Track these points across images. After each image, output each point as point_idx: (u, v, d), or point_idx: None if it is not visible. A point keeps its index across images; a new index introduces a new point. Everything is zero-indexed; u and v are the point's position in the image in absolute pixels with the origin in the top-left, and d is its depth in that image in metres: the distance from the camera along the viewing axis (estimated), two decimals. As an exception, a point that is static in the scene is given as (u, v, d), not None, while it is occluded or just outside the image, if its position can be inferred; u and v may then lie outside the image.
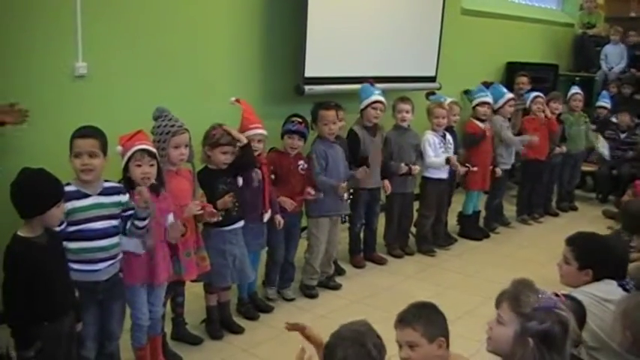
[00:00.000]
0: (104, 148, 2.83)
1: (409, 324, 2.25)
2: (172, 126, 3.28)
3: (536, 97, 6.42)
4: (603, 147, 7.21)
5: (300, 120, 4.25)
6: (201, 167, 3.68)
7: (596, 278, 2.94)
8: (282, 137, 4.28)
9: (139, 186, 2.97)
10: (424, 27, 6.43)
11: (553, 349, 2.01)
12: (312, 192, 4.30)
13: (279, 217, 4.14)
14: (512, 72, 7.99)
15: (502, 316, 2.14)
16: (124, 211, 2.93)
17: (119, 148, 3.01)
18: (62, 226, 2.69)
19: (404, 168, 5.10)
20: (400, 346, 2.28)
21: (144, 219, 2.93)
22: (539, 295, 2.10)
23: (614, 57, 8.99)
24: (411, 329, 2.24)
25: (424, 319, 2.26)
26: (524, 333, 2.04)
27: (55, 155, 2.91)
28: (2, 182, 2.57)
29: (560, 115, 6.65)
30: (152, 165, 3.05)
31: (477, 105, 5.77)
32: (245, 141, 3.68)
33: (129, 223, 2.92)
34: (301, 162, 4.30)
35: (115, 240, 2.89)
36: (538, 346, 2.00)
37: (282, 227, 4.17)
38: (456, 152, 5.51)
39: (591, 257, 2.96)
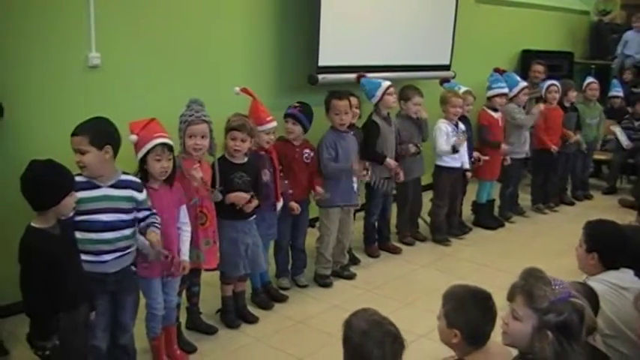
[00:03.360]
0: (98, 142, 2.73)
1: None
2: (191, 115, 3.30)
3: (551, 85, 6.35)
4: (621, 135, 7.13)
5: (297, 104, 4.22)
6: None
7: (605, 264, 2.92)
8: None
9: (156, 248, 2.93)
10: (438, 15, 6.39)
11: (572, 338, 1.99)
12: (322, 190, 4.28)
13: (295, 204, 4.16)
14: (527, 60, 7.93)
15: (517, 311, 2.10)
16: (138, 210, 2.89)
17: (133, 137, 2.97)
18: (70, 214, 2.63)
19: (412, 148, 5.09)
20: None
21: None
22: (553, 287, 2.06)
23: (634, 44, 8.82)
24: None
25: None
26: (543, 327, 2.02)
27: (68, 146, 2.86)
28: (6, 174, 2.51)
29: (572, 103, 6.60)
30: (170, 159, 3.05)
31: (495, 96, 5.72)
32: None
33: (142, 224, 2.92)
34: (307, 151, 4.25)
35: (122, 233, 2.83)
36: (557, 338, 1.99)
37: (290, 215, 4.18)
38: (470, 142, 5.47)
39: (597, 241, 2.96)
